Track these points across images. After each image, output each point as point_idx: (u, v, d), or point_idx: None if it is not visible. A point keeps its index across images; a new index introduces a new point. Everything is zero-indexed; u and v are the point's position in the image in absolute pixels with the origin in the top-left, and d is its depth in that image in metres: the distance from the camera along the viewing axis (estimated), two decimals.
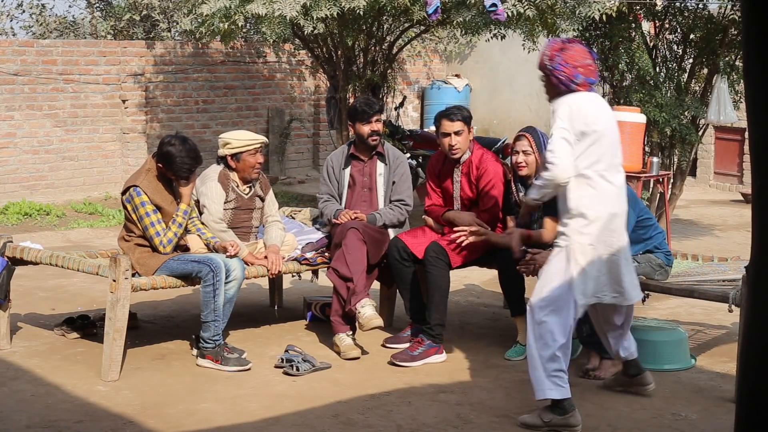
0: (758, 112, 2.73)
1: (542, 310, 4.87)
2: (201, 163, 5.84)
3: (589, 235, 4.90)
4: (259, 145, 6.23)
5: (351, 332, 6.09)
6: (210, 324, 5.67)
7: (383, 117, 11.34)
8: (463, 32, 10.41)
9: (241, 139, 6.22)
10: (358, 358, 5.95)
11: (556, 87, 5.01)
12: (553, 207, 5.81)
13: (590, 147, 4.90)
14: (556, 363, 4.82)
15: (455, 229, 6.07)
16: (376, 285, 6.51)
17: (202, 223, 6.08)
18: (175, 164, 5.71)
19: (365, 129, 6.35)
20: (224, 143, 6.24)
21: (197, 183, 6.28)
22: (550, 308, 4.87)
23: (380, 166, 6.44)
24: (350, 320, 6.06)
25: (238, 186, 6.25)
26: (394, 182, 6.44)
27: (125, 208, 5.82)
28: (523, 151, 5.93)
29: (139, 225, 5.74)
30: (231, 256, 5.80)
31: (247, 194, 6.28)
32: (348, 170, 6.45)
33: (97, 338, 6.03)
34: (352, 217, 6.23)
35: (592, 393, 5.41)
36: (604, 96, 9.60)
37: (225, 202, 6.20)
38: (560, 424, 4.85)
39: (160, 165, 5.77)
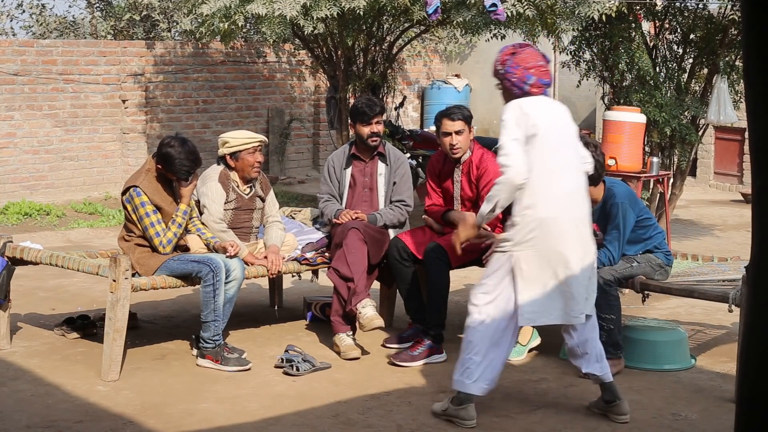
0: (758, 112, 2.73)
1: (478, 314, 4.88)
2: (200, 164, 5.84)
3: (533, 243, 4.78)
4: (257, 144, 6.23)
5: (351, 332, 6.09)
6: (210, 324, 5.67)
7: (383, 117, 11.35)
8: (463, 32, 10.42)
9: (239, 137, 6.23)
10: (358, 358, 5.95)
11: (509, 91, 4.99)
12: None
13: (534, 150, 4.80)
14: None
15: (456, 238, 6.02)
16: (376, 285, 6.51)
17: (202, 224, 6.08)
18: (175, 165, 5.71)
19: (365, 130, 6.35)
20: (223, 142, 6.25)
21: (197, 183, 6.28)
22: (484, 316, 4.86)
23: (381, 167, 6.44)
24: (350, 320, 6.06)
25: (238, 186, 6.25)
26: (394, 183, 6.44)
27: (125, 208, 5.83)
28: None
29: (139, 225, 5.74)
30: (231, 257, 5.80)
31: (247, 194, 6.28)
32: (349, 170, 6.45)
33: (97, 338, 6.03)
34: (353, 217, 6.23)
35: (592, 393, 5.40)
36: (603, 96, 9.61)
37: (225, 203, 6.20)
38: (454, 414, 4.90)
39: (159, 166, 5.77)
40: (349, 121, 6.55)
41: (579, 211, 4.89)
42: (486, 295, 4.89)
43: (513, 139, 4.80)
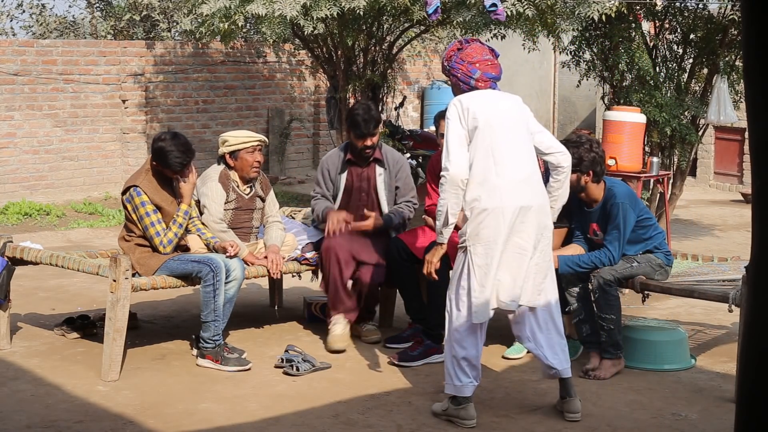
0: (758, 112, 2.73)
1: (454, 313, 4.92)
2: (193, 155, 5.82)
3: (483, 235, 4.77)
4: (256, 143, 6.23)
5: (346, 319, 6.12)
6: (210, 324, 5.67)
7: (383, 117, 11.33)
8: (463, 32, 10.40)
9: (238, 136, 6.23)
10: (342, 351, 5.96)
11: (457, 86, 5.02)
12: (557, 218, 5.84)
13: (477, 142, 4.81)
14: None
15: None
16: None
17: (203, 224, 6.08)
18: (168, 159, 5.70)
19: (359, 143, 6.28)
20: (223, 141, 6.26)
21: (198, 183, 6.28)
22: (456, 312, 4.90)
23: (379, 170, 6.41)
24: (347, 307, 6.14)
25: (238, 186, 6.25)
26: (397, 187, 6.42)
27: (125, 208, 5.83)
28: None
29: (139, 225, 5.74)
30: (231, 257, 5.80)
31: (247, 194, 6.28)
32: (344, 175, 6.41)
33: (97, 338, 6.03)
34: (343, 220, 6.21)
35: (592, 393, 5.41)
36: (603, 96, 9.61)
37: (225, 203, 6.19)
38: (454, 414, 4.91)
39: (155, 162, 5.77)
40: (345, 125, 6.46)
41: (530, 200, 4.83)
42: (456, 294, 4.89)
43: (454, 137, 4.82)
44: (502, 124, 4.89)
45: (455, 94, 5.04)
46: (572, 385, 5.06)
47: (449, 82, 5.10)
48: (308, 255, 6.29)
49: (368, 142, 6.26)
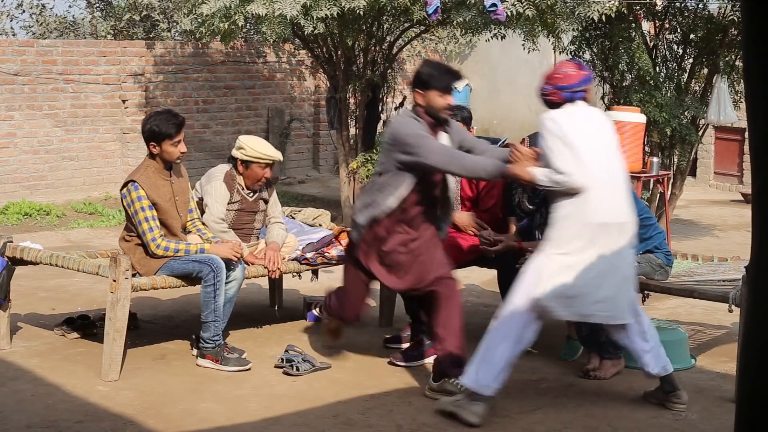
0: (758, 112, 2.73)
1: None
2: (182, 118, 5.82)
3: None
4: (271, 162, 6.20)
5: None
6: (210, 324, 5.66)
7: (384, 117, 11.34)
8: (463, 32, 10.42)
9: (256, 149, 6.16)
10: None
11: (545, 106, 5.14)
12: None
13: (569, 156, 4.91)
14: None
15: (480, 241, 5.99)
16: (375, 285, 6.49)
17: (203, 224, 6.07)
18: (162, 129, 5.66)
19: (444, 101, 5.27)
20: (239, 146, 6.20)
21: (202, 180, 6.29)
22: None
23: (443, 135, 5.46)
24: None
25: (243, 188, 6.25)
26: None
27: (122, 204, 5.81)
28: None
29: (133, 220, 5.72)
30: (237, 260, 5.77)
31: (251, 197, 6.28)
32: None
33: (97, 338, 6.03)
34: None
35: (592, 393, 5.41)
36: (603, 96, 9.61)
37: (229, 203, 6.19)
38: (466, 407, 4.94)
39: (153, 144, 5.72)
40: (419, 88, 5.29)
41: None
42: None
43: (558, 152, 4.95)
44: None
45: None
46: (675, 378, 5.28)
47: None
48: (308, 255, 6.29)
49: (451, 100, 5.36)
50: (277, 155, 6.24)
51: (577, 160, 4.88)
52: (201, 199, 6.22)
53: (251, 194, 6.28)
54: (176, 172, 5.88)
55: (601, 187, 4.91)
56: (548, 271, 4.89)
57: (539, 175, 4.95)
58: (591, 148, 4.96)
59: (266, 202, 6.35)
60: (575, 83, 5.06)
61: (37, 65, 11.74)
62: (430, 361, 5.88)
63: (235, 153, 6.22)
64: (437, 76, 5.23)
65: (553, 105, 5.08)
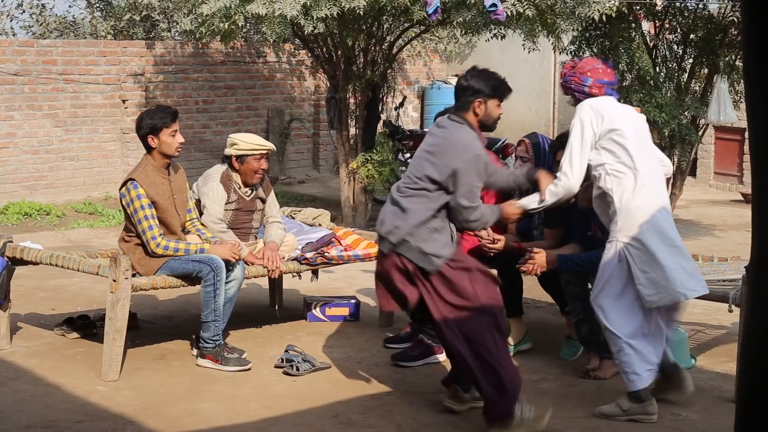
0: (758, 112, 2.73)
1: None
2: (175, 109, 5.88)
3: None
4: (265, 152, 6.21)
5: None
6: (210, 324, 5.66)
7: (383, 117, 11.34)
8: (463, 32, 10.42)
9: (248, 142, 6.21)
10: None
11: (574, 98, 5.26)
12: (554, 218, 5.86)
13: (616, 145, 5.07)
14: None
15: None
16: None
17: (202, 224, 6.07)
18: (157, 120, 5.72)
19: (498, 111, 5.07)
20: (232, 143, 6.24)
21: (199, 182, 6.29)
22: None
23: None
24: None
25: (240, 187, 6.25)
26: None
27: (121, 203, 5.81)
28: (520, 157, 6.02)
29: (132, 219, 5.72)
30: (236, 260, 5.77)
31: (248, 196, 6.28)
32: None
33: (97, 338, 6.03)
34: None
35: (592, 393, 5.41)
36: None
37: (226, 203, 6.19)
38: (639, 412, 4.99)
39: (151, 137, 5.74)
40: (484, 97, 4.98)
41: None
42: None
43: (577, 146, 5.13)
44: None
45: (573, 105, 5.29)
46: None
47: (571, 101, 5.32)
48: (308, 255, 6.29)
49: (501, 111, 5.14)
50: (270, 145, 6.27)
51: (625, 150, 5.02)
52: (198, 201, 6.22)
53: (249, 193, 6.28)
54: (174, 171, 5.89)
55: (655, 173, 5.11)
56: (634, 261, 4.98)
57: (533, 204, 5.18)
58: (640, 137, 5.14)
59: (264, 201, 6.35)
60: (614, 81, 5.29)
61: (37, 65, 11.75)
62: (430, 361, 5.88)
63: (228, 151, 6.24)
64: (499, 85, 5.04)
65: (586, 98, 5.19)
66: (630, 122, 5.14)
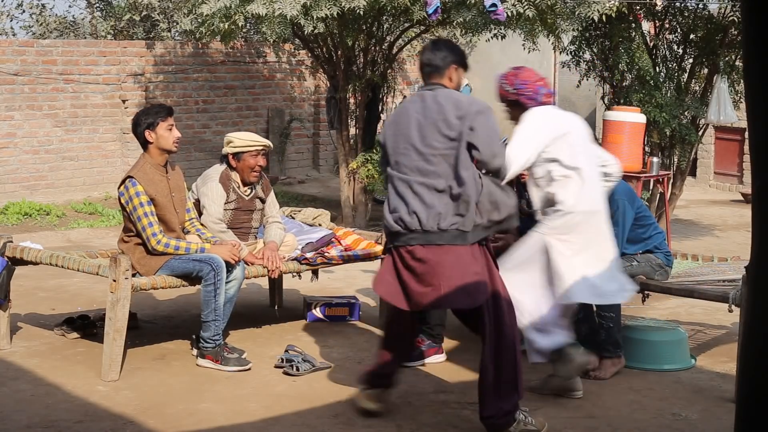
0: (758, 112, 2.73)
1: None
2: (169, 105, 5.92)
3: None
4: (261, 148, 6.22)
5: None
6: (210, 324, 5.66)
7: (384, 117, 11.34)
8: (463, 32, 10.42)
9: (244, 138, 6.23)
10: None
11: (523, 106, 5.31)
12: None
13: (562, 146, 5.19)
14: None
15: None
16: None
17: (202, 224, 6.07)
18: (153, 115, 5.76)
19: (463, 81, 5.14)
20: (228, 141, 6.26)
21: (198, 182, 6.29)
22: None
23: None
24: None
25: (239, 187, 6.25)
26: None
27: (119, 202, 5.81)
28: None
29: (131, 217, 5.71)
30: (236, 261, 5.77)
31: (248, 195, 6.28)
32: None
33: (97, 338, 6.03)
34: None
35: (592, 393, 5.41)
36: (603, 96, 9.62)
37: (226, 203, 6.19)
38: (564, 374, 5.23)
39: (149, 133, 5.74)
40: (461, 65, 4.95)
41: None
42: None
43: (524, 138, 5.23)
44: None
45: (516, 116, 5.31)
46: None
47: (508, 109, 5.38)
48: (308, 255, 6.28)
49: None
50: (266, 141, 6.28)
51: (573, 155, 5.17)
52: (197, 201, 6.22)
53: (248, 193, 6.28)
54: (172, 169, 5.90)
55: (596, 180, 5.29)
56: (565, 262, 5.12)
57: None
58: (586, 143, 5.33)
59: (263, 201, 6.35)
60: (551, 89, 5.51)
61: (37, 65, 11.75)
62: (430, 361, 5.88)
63: (225, 150, 6.25)
64: (465, 56, 5.01)
65: (536, 106, 5.31)
66: (577, 127, 5.31)
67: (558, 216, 5.17)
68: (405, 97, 13.78)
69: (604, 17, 8.68)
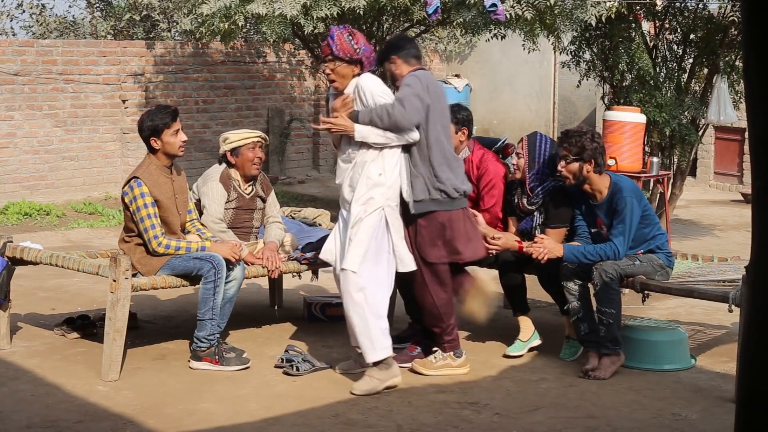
0: (758, 112, 2.73)
1: None
2: (175, 107, 5.88)
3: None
4: (257, 139, 6.23)
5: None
6: (206, 322, 5.63)
7: None
8: (463, 32, 10.43)
9: (238, 133, 6.28)
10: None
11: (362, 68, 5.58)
12: (555, 217, 5.87)
13: None
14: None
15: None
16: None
17: (202, 224, 6.07)
18: (158, 120, 5.70)
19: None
20: (224, 139, 6.27)
21: (198, 182, 6.29)
22: None
23: None
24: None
25: (240, 186, 6.25)
26: None
27: (123, 202, 5.80)
28: (516, 154, 6.04)
29: (134, 218, 5.71)
30: (237, 261, 5.76)
31: (248, 194, 6.28)
32: None
33: (97, 338, 6.03)
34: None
35: (592, 393, 5.41)
36: (603, 96, 9.62)
37: (226, 202, 6.20)
38: (389, 377, 5.38)
39: (154, 139, 5.72)
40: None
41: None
42: None
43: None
44: None
45: (348, 74, 5.52)
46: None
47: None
48: (308, 255, 6.28)
49: None
50: (260, 133, 6.32)
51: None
52: (198, 201, 6.22)
53: (249, 191, 6.28)
54: (176, 170, 5.89)
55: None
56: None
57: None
58: None
59: (264, 200, 6.35)
60: None
61: (37, 65, 11.75)
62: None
63: (222, 149, 6.26)
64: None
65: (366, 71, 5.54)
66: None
67: (385, 187, 5.44)
68: None
69: (603, 18, 8.68)
